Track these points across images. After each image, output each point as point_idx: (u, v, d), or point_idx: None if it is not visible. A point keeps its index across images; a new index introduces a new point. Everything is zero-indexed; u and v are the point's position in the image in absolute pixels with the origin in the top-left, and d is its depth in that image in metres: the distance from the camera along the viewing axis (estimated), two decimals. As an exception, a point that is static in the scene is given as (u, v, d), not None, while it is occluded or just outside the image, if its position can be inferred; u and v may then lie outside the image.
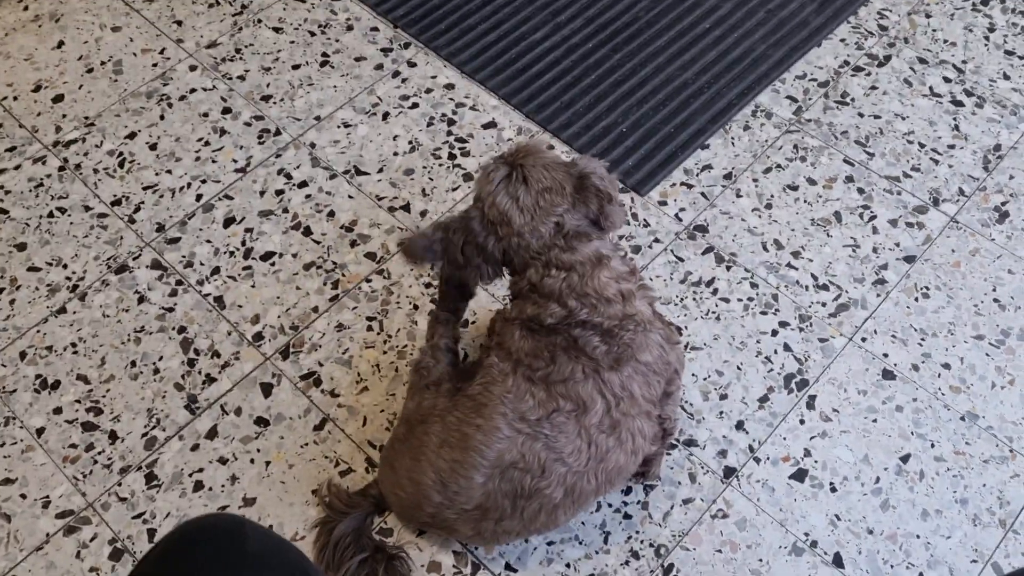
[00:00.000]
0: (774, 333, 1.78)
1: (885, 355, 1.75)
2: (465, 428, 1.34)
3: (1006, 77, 2.16)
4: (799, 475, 1.62)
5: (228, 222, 1.95)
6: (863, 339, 1.77)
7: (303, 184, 2.00)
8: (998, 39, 2.24)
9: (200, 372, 1.74)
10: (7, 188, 2.00)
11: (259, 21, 2.30)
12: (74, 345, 1.78)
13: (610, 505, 1.59)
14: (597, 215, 1.35)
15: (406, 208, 1.96)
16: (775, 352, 1.76)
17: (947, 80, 2.16)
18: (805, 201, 1.96)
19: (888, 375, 1.73)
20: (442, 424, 1.37)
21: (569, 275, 1.31)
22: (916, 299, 1.82)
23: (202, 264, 1.88)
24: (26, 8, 2.33)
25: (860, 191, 1.97)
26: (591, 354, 1.31)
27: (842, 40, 2.24)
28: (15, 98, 2.15)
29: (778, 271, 1.86)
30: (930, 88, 2.15)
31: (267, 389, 1.72)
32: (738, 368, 1.74)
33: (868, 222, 1.93)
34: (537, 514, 1.35)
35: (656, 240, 1.91)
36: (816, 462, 1.63)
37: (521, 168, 1.33)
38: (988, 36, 2.24)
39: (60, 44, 2.26)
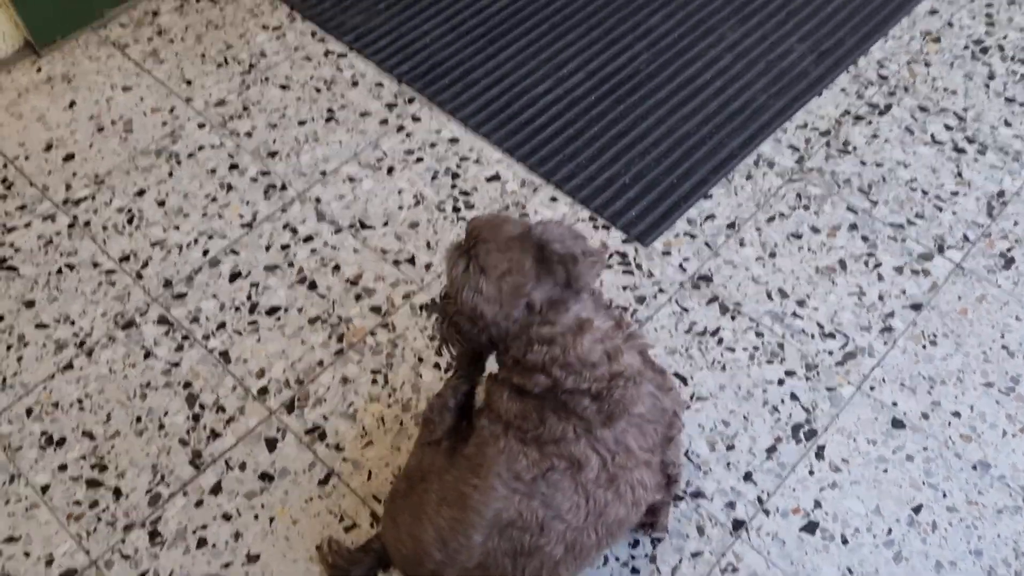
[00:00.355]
0: (780, 382, 1.77)
1: (894, 404, 1.74)
2: (462, 487, 1.33)
3: (1007, 124, 2.17)
4: (810, 527, 1.60)
5: (234, 277, 1.96)
6: (871, 388, 1.76)
7: (308, 238, 2.02)
8: (998, 86, 2.25)
9: (205, 427, 1.74)
10: (17, 246, 2.02)
11: (266, 79, 2.34)
12: (80, 401, 1.78)
13: (617, 559, 1.56)
14: (567, 280, 1.31)
15: (411, 261, 1.97)
16: (782, 401, 1.74)
17: (948, 128, 2.17)
18: (809, 249, 1.96)
19: (898, 424, 1.71)
20: (440, 483, 1.37)
21: (551, 348, 1.27)
22: (924, 347, 1.81)
23: (208, 319, 1.89)
24: (39, 70, 2.38)
25: (864, 239, 1.98)
26: (581, 414, 1.29)
27: (842, 89, 2.26)
28: (26, 157, 2.19)
29: (783, 320, 1.85)
30: (931, 136, 2.16)
31: (272, 444, 1.72)
32: (744, 418, 1.72)
33: (873, 270, 1.93)
34: (539, 572, 1.33)
35: (660, 290, 1.91)
36: (827, 514, 1.61)
37: (476, 258, 1.30)
38: (988, 84, 2.26)
39: (72, 104, 2.30)
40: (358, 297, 1.92)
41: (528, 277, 1.29)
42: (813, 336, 1.83)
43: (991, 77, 2.27)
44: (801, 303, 1.88)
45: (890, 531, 1.59)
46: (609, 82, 2.30)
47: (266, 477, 1.67)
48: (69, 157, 2.19)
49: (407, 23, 2.46)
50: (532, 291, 1.29)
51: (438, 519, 1.34)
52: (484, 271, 1.29)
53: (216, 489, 1.66)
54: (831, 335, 1.83)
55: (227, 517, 1.63)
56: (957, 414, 1.72)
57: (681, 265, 1.95)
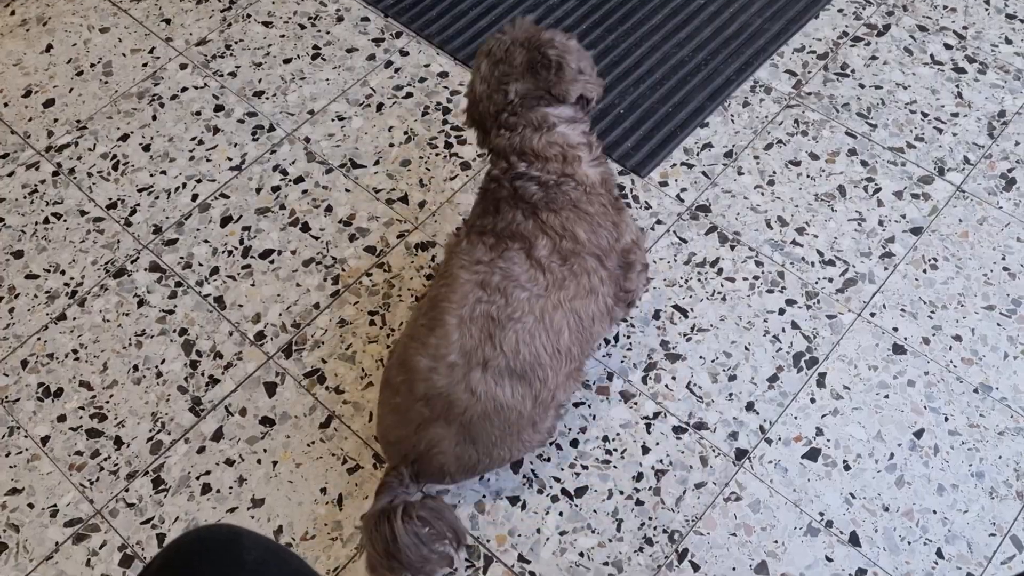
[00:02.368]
0: (781, 311, 1.76)
1: (895, 329, 1.73)
2: (434, 291, 1.44)
3: (1008, 42, 2.13)
4: (812, 454, 1.60)
5: (225, 221, 1.93)
6: (872, 314, 1.75)
7: (299, 179, 1.98)
8: (998, 3, 2.20)
9: (203, 374, 1.73)
10: (1, 196, 1.98)
11: (248, 16, 2.27)
12: (75, 352, 1.76)
13: (621, 492, 1.57)
14: (550, 85, 1.44)
15: (404, 200, 1.94)
16: (783, 331, 1.74)
17: (948, 47, 2.13)
18: (808, 176, 1.94)
19: (899, 350, 1.71)
20: (422, 306, 1.48)
21: (513, 135, 1.44)
22: (924, 271, 1.80)
23: (201, 265, 1.87)
24: (13, 13, 2.31)
25: (864, 164, 1.95)
26: (528, 199, 1.43)
27: (840, 10, 2.21)
28: (5, 104, 2.13)
29: (783, 248, 1.84)
30: (931, 56, 2.11)
31: (271, 388, 1.71)
32: (746, 348, 1.72)
33: (873, 195, 1.90)
34: (517, 348, 1.38)
35: (658, 222, 1.88)
36: (828, 440, 1.61)
37: (499, 43, 1.46)
38: (988, 0, 2.20)
39: (48, 48, 2.24)
40: (352, 238, 1.89)
41: (515, 70, 1.44)
42: (813, 264, 1.81)
43: (991, -7, 2.22)
44: (801, 231, 1.86)
45: (892, 456, 1.59)
46: (600, 9, 2.23)
47: (267, 422, 1.67)
48: (49, 103, 2.13)
49: (391, -47, 2.38)
50: (512, 82, 1.44)
51: (419, 329, 1.43)
52: (490, 54, 1.47)
53: (217, 435, 1.66)
54: (831, 262, 1.81)
55: (230, 463, 1.63)
56: (958, 338, 1.72)
57: (679, 195, 1.92)
